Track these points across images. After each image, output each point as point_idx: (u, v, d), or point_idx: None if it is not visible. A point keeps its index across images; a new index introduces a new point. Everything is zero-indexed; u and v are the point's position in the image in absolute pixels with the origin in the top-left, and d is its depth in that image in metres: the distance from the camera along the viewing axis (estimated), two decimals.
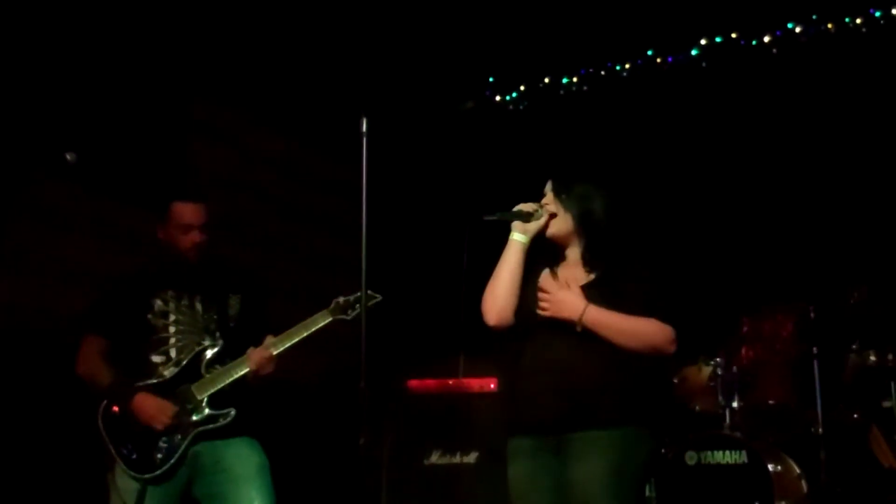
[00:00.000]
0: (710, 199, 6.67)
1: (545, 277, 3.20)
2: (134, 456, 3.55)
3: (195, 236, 3.75)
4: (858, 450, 5.39)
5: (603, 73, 7.15)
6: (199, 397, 3.63)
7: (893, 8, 6.27)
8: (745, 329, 5.85)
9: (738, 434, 5.23)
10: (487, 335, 3.23)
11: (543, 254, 3.25)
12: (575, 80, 7.25)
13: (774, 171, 6.48)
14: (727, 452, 5.08)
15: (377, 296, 3.63)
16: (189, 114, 5.78)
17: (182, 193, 3.87)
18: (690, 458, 5.14)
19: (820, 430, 5.34)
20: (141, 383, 3.62)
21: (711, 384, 5.55)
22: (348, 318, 3.66)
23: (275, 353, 3.62)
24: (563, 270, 3.21)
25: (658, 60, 6.96)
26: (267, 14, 6.03)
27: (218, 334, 3.75)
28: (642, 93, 7.00)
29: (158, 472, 3.54)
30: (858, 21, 6.39)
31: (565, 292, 3.06)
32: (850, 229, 6.05)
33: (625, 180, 4.56)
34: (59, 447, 4.47)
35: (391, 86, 6.57)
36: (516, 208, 3.20)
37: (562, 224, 3.19)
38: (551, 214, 3.19)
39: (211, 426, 3.62)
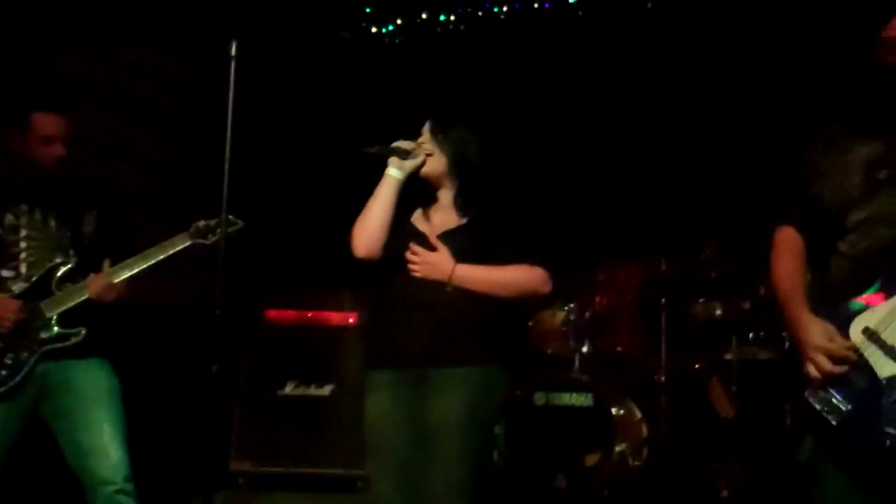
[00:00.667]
0: (575, 146, 6.77)
1: (417, 219, 3.21)
2: None
3: (56, 149, 3.59)
4: (698, 398, 5.64)
5: (480, 13, 7.13)
6: (49, 315, 3.51)
7: None
8: (600, 277, 6.02)
9: (585, 378, 5.39)
10: (353, 268, 3.23)
11: (417, 194, 3.25)
12: (452, 18, 7.21)
13: (638, 124, 6.61)
14: (574, 395, 5.24)
15: (238, 222, 3.57)
16: (53, 17, 5.47)
17: (43, 103, 3.67)
18: (539, 398, 5.28)
19: (663, 377, 5.56)
20: None
21: (564, 329, 5.69)
22: (208, 242, 3.58)
23: (116, 280, 3.52)
24: (434, 212, 3.23)
25: (535, 5, 6.98)
26: None
27: (72, 252, 3.63)
28: (518, 36, 7.02)
29: (3, 388, 3.44)
30: None
31: (434, 255, 3.08)
32: (705, 185, 6.23)
33: (497, 124, 4.60)
34: None
35: (265, 9, 6.40)
36: (395, 144, 3.19)
37: (436, 164, 3.20)
38: (428, 154, 3.19)
39: (59, 345, 3.52)
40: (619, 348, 5.87)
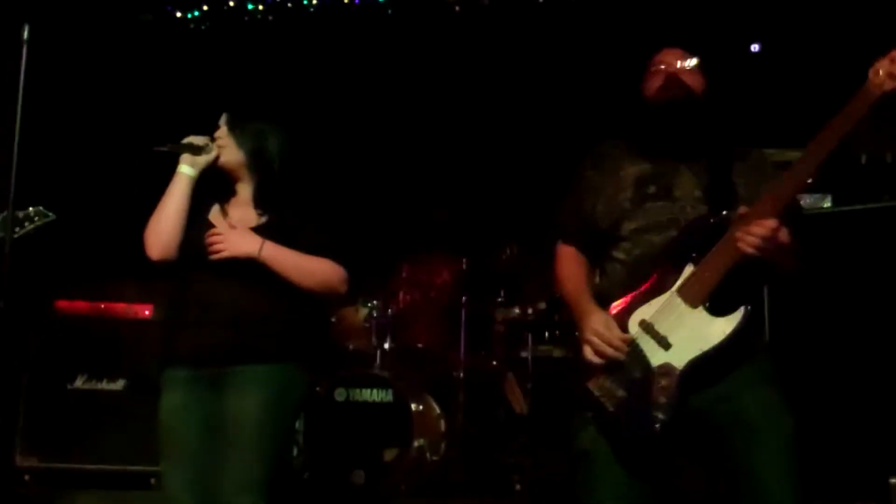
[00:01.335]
0: (383, 143, 6.82)
1: (215, 216, 3.14)
2: None
3: None
4: (494, 394, 5.79)
5: (290, 4, 7.06)
6: None
7: None
8: (404, 274, 6.09)
9: (386, 374, 5.43)
10: (148, 260, 3.12)
11: (214, 189, 3.16)
12: (261, 7, 7.11)
13: (444, 125, 6.73)
14: (374, 391, 5.27)
15: (50, 214, 3.43)
16: None
17: None
18: (339, 394, 5.28)
19: (462, 374, 5.69)
20: None
21: (367, 325, 5.74)
22: (16, 235, 3.42)
23: None
24: (233, 209, 3.14)
25: (345, 0, 6.98)
26: None
27: None
28: (326, 30, 6.99)
29: None
30: None
31: (238, 231, 3.01)
32: (507, 188, 6.40)
33: (303, 118, 4.57)
34: None
35: None
36: (186, 140, 3.08)
37: (233, 157, 3.11)
38: (221, 148, 3.10)
39: None
40: (420, 345, 5.96)
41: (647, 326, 2.55)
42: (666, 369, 2.50)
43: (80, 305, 5.39)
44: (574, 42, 6.53)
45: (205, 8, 7.12)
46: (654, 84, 2.77)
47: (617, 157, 2.79)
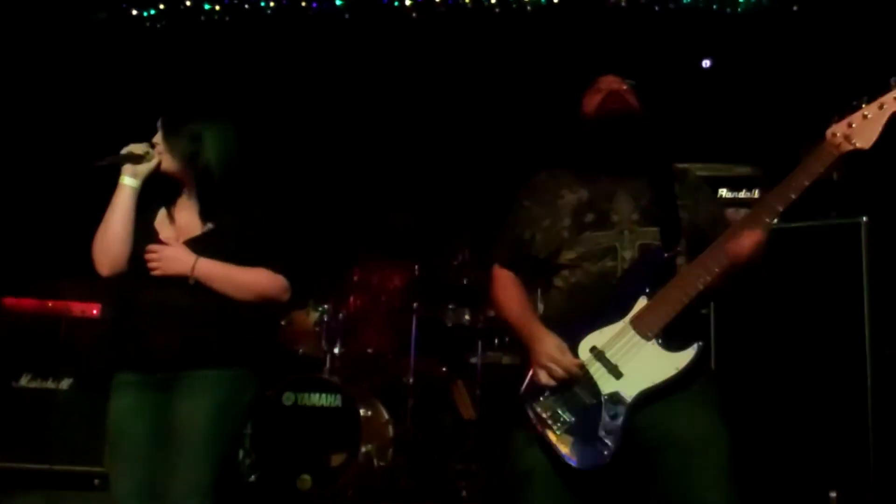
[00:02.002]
0: (338, 146, 6.83)
1: (161, 222, 3.11)
2: None
3: None
4: (443, 400, 5.81)
5: (247, 6, 7.05)
6: None
7: None
8: (355, 278, 6.09)
9: (335, 378, 5.43)
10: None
11: (160, 192, 3.13)
12: (217, 7, 7.08)
13: (398, 131, 6.75)
14: (323, 395, 5.27)
15: None
16: None
17: None
18: (288, 398, 5.27)
19: (411, 379, 5.70)
20: None
21: (317, 329, 5.73)
22: None
23: None
24: (179, 212, 3.12)
25: (303, 4, 6.98)
26: None
27: None
28: (283, 33, 6.99)
29: None
30: (493, 0, 6.80)
31: (172, 249, 2.99)
32: (460, 194, 6.43)
33: (257, 121, 4.56)
34: None
35: None
36: (126, 150, 3.03)
37: (170, 164, 3.07)
38: (161, 154, 3.06)
39: None
40: (370, 350, 5.96)
41: (598, 354, 2.59)
42: (616, 398, 2.54)
43: (28, 303, 5.35)
44: (529, 50, 6.58)
45: (161, 7, 7.08)
46: (595, 100, 2.84)
47: (554, 186, 2.85)
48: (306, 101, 6.84)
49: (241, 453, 5.11)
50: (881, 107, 2.52)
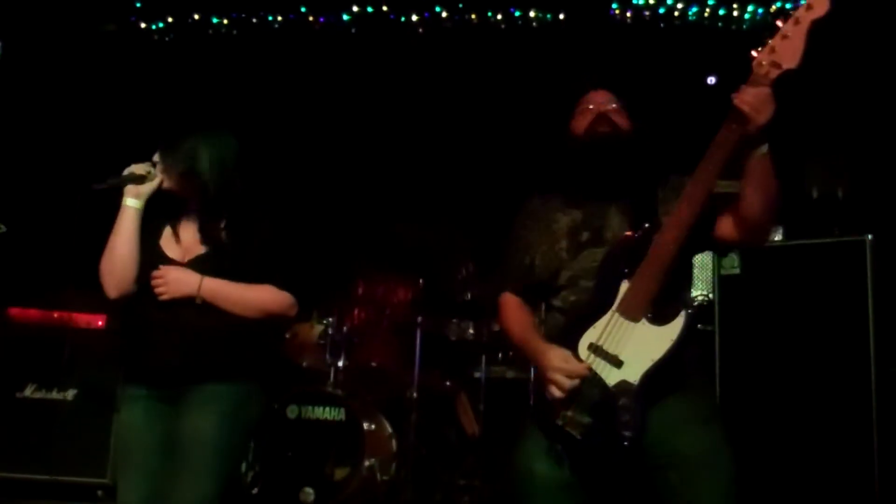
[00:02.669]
0: (345, 160, 6.85)
1: (166, 241, 3.12)
2: None
3: None
4: (446, 415, 5.80)
5: (255, 20, 7.08)
6: None
7: (531, 10, 6.77)
8: (359, 291, 6.09)
9: (339, 392, 5.42)
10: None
11: (165, 209, 3.14)
12: (225, 21, 7.12)
13: (404, 146, 6.77)
14: (327, 409, 5.26)
15: (2, 226, 3.40)
16: None
17: None
18: (292, 411, 5.27)
19: (415, 394, 5.68)
20: None
21: (321, 342, 5.71)
22: None
23: None
24: (184, 230, 3.14)
25: (311, 18, 7.01)
26: None
27: None
28: (290, 48, 7.02)
29: None
30: (499, 17, 6.83)
31: (177, 271, 3.01)
32: (464, 208, 6.44)
33: (257, 135, 4.57)
34: None
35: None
36: (127, 171, 3.04)
37: (170, 182, 3.08)
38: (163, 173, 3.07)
39: None
40: (374, 363, 5.94)
41: (596, 349, 2.60)
42: (623, 387, 2.54)
43: (33, 314, 5.36)
44: (535, 66, 6.61)
45: (169, 20, 7.12)
46: (584, 122, 2.86)
47: (546, 211, 2.90)
48: (313, 114, 6.87)
49: (243, 466, 5.10)
50: (797, 22, 2.51)
